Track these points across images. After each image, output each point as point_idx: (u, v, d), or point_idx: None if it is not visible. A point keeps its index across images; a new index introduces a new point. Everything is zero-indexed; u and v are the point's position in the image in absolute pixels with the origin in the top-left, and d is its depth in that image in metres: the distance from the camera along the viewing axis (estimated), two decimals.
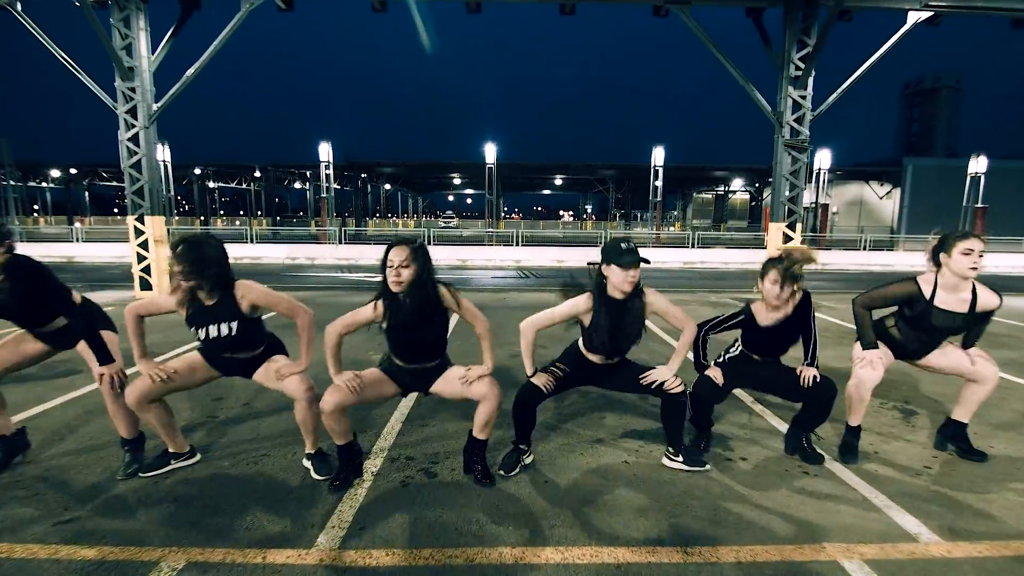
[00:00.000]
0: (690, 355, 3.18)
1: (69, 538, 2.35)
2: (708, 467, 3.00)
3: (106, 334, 2.94)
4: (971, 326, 3.05)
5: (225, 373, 2.95)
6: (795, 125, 8.95)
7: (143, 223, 9.08)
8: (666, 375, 2.91)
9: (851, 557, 2.27)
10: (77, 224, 27.28)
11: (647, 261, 2.81)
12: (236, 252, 18.82)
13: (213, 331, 2.71)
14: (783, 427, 3.67)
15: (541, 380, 2.97)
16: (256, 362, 2.91)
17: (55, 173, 50.41)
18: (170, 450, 3.00)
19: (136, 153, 8.96)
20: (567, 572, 2.16)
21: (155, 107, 9.01)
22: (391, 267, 2.59)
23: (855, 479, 2.96)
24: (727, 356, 3.29)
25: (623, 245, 2.73)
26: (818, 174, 35.21)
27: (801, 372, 3.04)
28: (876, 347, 3.09)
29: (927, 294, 2.98)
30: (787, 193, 9.15)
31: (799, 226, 9.21)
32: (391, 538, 2.38)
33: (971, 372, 3.12)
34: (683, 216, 63.21)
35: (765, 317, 3.08)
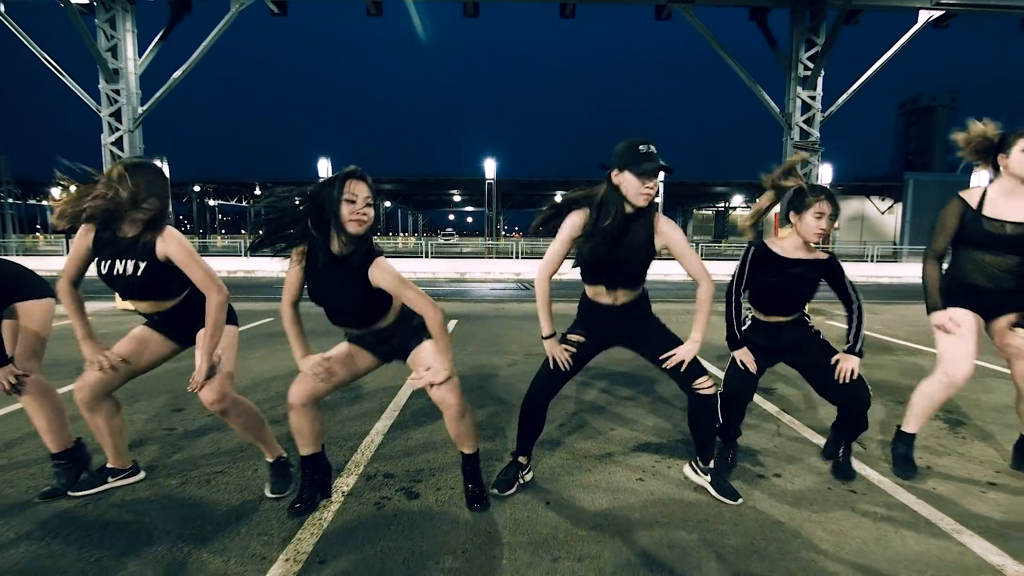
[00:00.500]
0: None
1: None
2: (740, 501, 2.47)
3: (32, 306, 2.49)
4: None
5: (178, 340, 2.49)
6: (805, 127, 8.62)
7: None
8: (690, 353, 2.36)
9: None
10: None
11: (669, 169, 2.22)
12: (230, 265, 18.46)
13: (119, 266, 2.25)
14: (817, 439, 3.23)
15: (556, 350, 2.42)
16: (190, 318, 2.42)
17: (55, 191, 50.31)
18: (109, 465, 2.56)
19: (120, 157, 8.61)
20: None
21: (140, 110, 8.70)
22: (352, 202, 2.03)
23: (912, 499, 2.52)
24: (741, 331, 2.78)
25: (641, 148, 2.19)
26: None
27: (839, 362, 2.56)
28: (941, 308, 2.60)
29: (974, 204, 2.55)
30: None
31: None
32: (356, 574, 1.93)
33: None
34: (684, 233, 63.06)
35: (782, 250, 2.61)
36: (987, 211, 2.52)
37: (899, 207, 43.39)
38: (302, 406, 2.27)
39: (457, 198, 58.27)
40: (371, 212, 2.10)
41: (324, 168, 34.73)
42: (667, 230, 2.32)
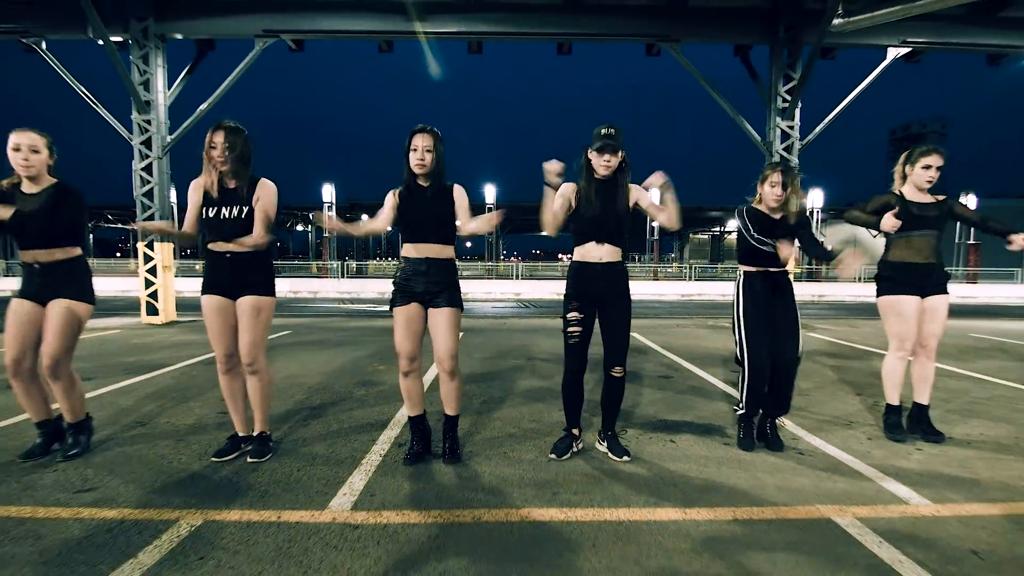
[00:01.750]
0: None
1: (90, 503, 2.44)
2: (627, 458, 2.99)
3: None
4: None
5: (233, 293, 2.93)
6: (784, 154, 9.31)
7: (152, 249, 9.29)
8: (660, 180, 2.79)
9: (843, 515, 2.36)
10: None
11: (616, 149, 2.84)
12: None
13: (225, 211, 2.86)
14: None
15: (571, 316, 2.94)
16: (248, 270, 2.93)
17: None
18: (243, 433, 3.09)
19: (149, 182, 9.27)
20: (569, 528, 2.25)
21: (169, 139, 9.38)
22: (415, 151, 2.79)
23: (848, 457, 3.06)
24: (739, 300, 3.31)
25: (603, 131, 2.84)
26: (812, 214, 35.92)
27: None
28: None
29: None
30: None
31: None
32: (400, 502, 2.46)
33: (930, 346, 3.43)
34: (680, 257, 63.90)
35: (765, 210, 3.26)
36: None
37: None
38: (411, 361, 2.87)
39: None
40: (428, 157, 2.79)
41: (328, 193, 35.60)
42: (635, 189, 2.94)
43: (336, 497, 2.51)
